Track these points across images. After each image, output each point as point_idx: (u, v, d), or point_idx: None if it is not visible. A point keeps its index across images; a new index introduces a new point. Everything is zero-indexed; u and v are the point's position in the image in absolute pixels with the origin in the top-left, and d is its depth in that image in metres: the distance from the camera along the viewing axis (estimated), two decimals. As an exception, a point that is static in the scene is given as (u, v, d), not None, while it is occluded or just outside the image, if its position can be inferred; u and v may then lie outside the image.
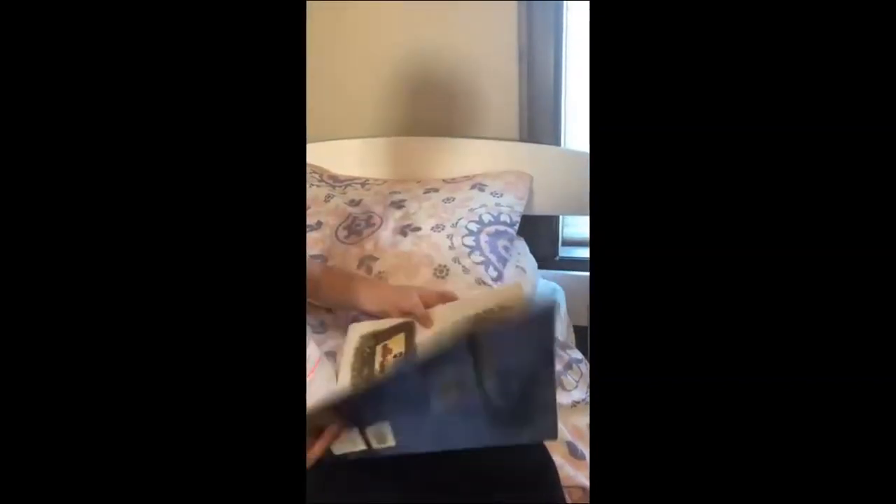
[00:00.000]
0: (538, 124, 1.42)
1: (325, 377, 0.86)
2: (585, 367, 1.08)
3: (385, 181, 1.46)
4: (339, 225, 1.30)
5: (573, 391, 1.02)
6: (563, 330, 1.28)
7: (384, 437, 0.61)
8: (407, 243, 1.22)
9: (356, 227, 1.28)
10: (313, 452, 0.60)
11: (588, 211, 1.27)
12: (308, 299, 0.96)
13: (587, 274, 1.31)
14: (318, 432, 0.60)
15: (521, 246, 1.39)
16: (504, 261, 1.22)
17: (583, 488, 0.83)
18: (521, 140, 1.44)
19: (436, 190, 1.36)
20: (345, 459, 0.63)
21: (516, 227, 1.31)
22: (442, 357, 0.53)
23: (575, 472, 0.85)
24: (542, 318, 0.54)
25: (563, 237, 1.57)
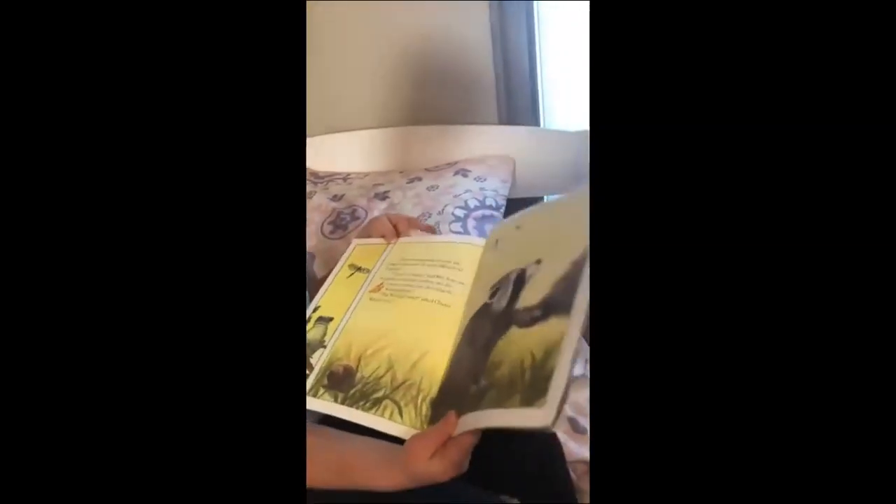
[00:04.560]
0: (516, 105, 1.42)
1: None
2: (584, 343, 1.09)
3: (367, 174, 1.45)
4: (324, 221, 1.29)
5: (574, 367, 1.02)
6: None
7: None
8: (394, 234, 1.21)
9: (341, 221, 1.28)
10: None
11: (570, 190, 1.27)
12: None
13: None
14: None
15: (509, 228, 1.39)
16: (492, 244, 1.22)
17: (586, 462, 0.84)
18: (500, 122, 1.44)
19: (419, 179, 1.36)
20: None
21: (502, 210, 1.31)
22: None
23: (578, 447, 0.85)
24: None
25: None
